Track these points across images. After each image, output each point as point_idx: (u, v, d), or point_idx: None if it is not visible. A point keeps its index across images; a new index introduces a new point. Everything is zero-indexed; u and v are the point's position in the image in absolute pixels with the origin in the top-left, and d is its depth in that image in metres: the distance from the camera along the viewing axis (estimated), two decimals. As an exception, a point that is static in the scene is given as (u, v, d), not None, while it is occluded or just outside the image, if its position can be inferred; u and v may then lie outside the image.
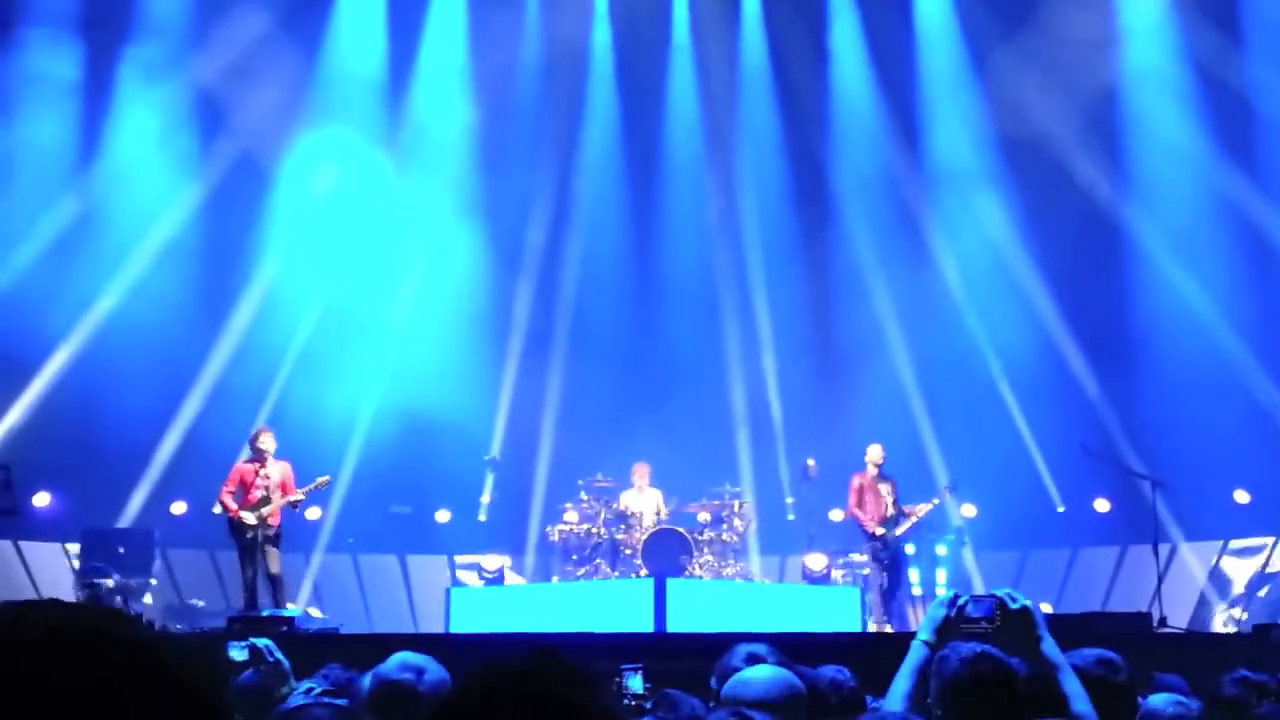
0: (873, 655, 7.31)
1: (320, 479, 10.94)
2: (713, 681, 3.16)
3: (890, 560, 11.68)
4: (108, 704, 0.91)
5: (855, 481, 11.87)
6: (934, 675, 2.94)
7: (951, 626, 3.13)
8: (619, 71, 15.90)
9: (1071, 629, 7.96)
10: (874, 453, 11.88)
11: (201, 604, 13.14)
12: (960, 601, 3.22)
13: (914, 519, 11.79)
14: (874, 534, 11.70)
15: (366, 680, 4.33)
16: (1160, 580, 10.73)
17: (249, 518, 10.51)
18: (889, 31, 15.44)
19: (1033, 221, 14.79)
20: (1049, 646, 3.09)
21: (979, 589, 14.04)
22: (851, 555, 12.80)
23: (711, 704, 3.05)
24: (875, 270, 15.15)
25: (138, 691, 0.93)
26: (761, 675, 2.80)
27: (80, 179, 13.98)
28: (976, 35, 15.12)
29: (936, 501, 12.00)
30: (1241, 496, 13.87)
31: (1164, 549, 11.74)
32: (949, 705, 2.89)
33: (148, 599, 12.72)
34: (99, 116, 14.13)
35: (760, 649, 3.19)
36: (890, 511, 11.70)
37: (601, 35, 15.92)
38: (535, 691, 1.24)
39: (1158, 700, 3.66)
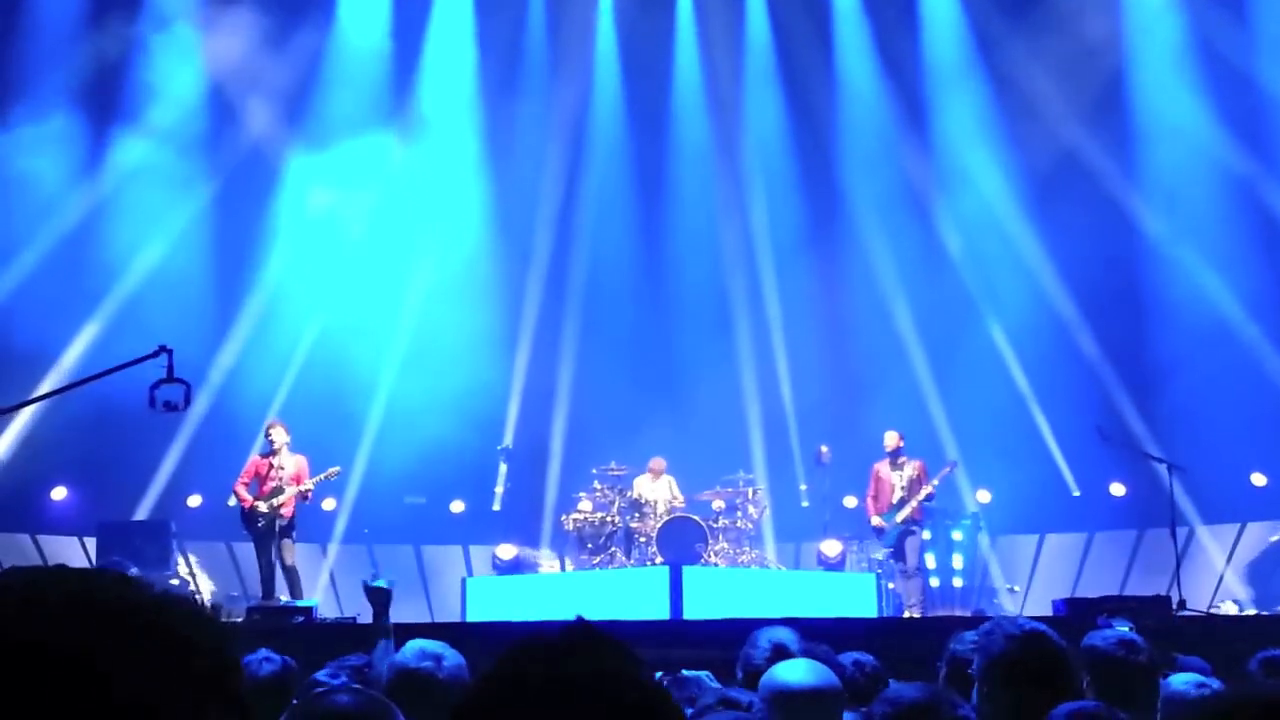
0: (888, 640, 7.31)
1: (330, 469, 11.00)
2: (738, 672, 3.12)
3: (893, 546, 11.70)
4: (100, 666, 0.90)
5: (873, 469, 11.94)
6: (979, 652, 2.90)
7: None
8: (624, 59, 15.84)
9: (1090, 612, 7.95)
10: (886, 439, 11.90)
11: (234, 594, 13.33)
12: None
13: (913, 504, 11.67)
14: (874, 527, 11.88)
15: (384, 667, 4.34)
16: (1178, 563, 10.69)
17: (261, 506, 10.61)
18: (894, 14, 15.37)
19: (1043, 206, 14.72)
20: None
21: (995, 574, 14.06)
22: (868, 541, 12.81)
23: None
24: (885, 256, 15.10)
25: (134, 652, 0.91)
26: (800, 668, 2.75)
27: (93, 172, 13.98)
28: (982, 18, 15.04)
29: (933, 487, 11.85)
30: (1258, 479, 13.81)
31: (1181, 532, 11.70)
32: (993, 683, 2.84)
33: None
34: (107, 115, 14.13)
35: (784, 635, 3.16)
36: (896, 498, 11.70)
37: (606, 23, 15.86)
38: (575, 668, 1.21)
39: (1180, 681, 3.63)
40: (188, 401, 7.90)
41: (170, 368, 7.80)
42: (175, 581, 12.60)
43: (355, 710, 2.48)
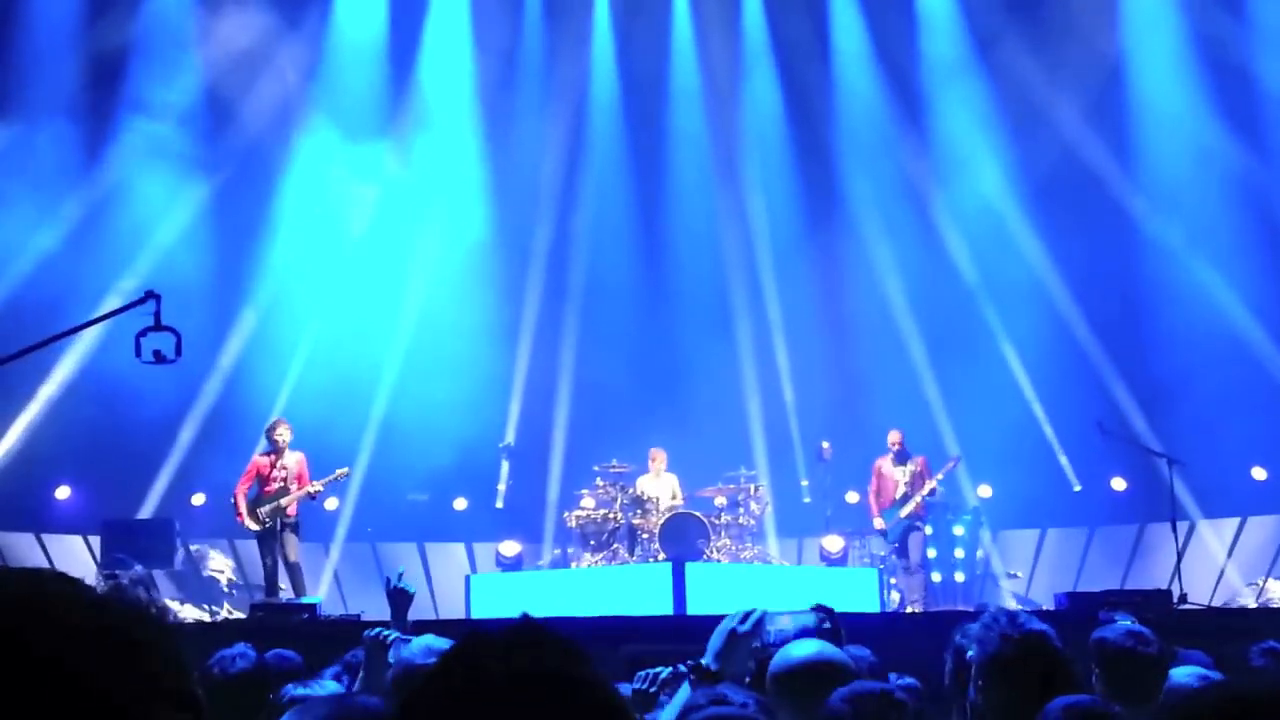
0: (890, 636, 7.34)
1: (339, 471, 11.03)
2: (750, 662, 3.13)
3: (897, 542, 11.82)
4: (47, 664, 0.90)
5: (875, 465, 12.03)
6: (976, 648, 2.90)
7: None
8: (621, 54, 15.84)
9: (1092, 606, 7.98)
10: (889, 438, 12.02)
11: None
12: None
13: (916, 499, 11.80)
14: (876, 529, 12.05)
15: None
16: (1179, 557, 10.73)
17: (251, 524, 10.69)
18: (891, 9, 15.40)
19: (1042, 201, 14.74)
20: None
21: (997, 569, 14.08)
22: (870, 537, 12.86)
23: (747, 680, 3.04)
24: (884, 252, 15.13)
25: (81, 650, 0.91)
26: (806, 648, 2.75)
27: (94, 168, 13.99)
28: (980, 13, 15.06)
29: (937, 482, 11.97)
30: (1259, 473, 13.84)
31: (1182, 526, 11.73)
32: (989, 679, 2.85)
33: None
34: (106, 112, 14.15)
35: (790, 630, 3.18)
36: (899, 494, 11.83)
37: (603, 18, 15.87)
38: (517, 666, 1.21)
39: (1181, 674, 3.66)
40: (178, 351, 7.19)
41: (158, 315, 7.13)
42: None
43: None
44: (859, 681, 2.45)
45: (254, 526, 10.68)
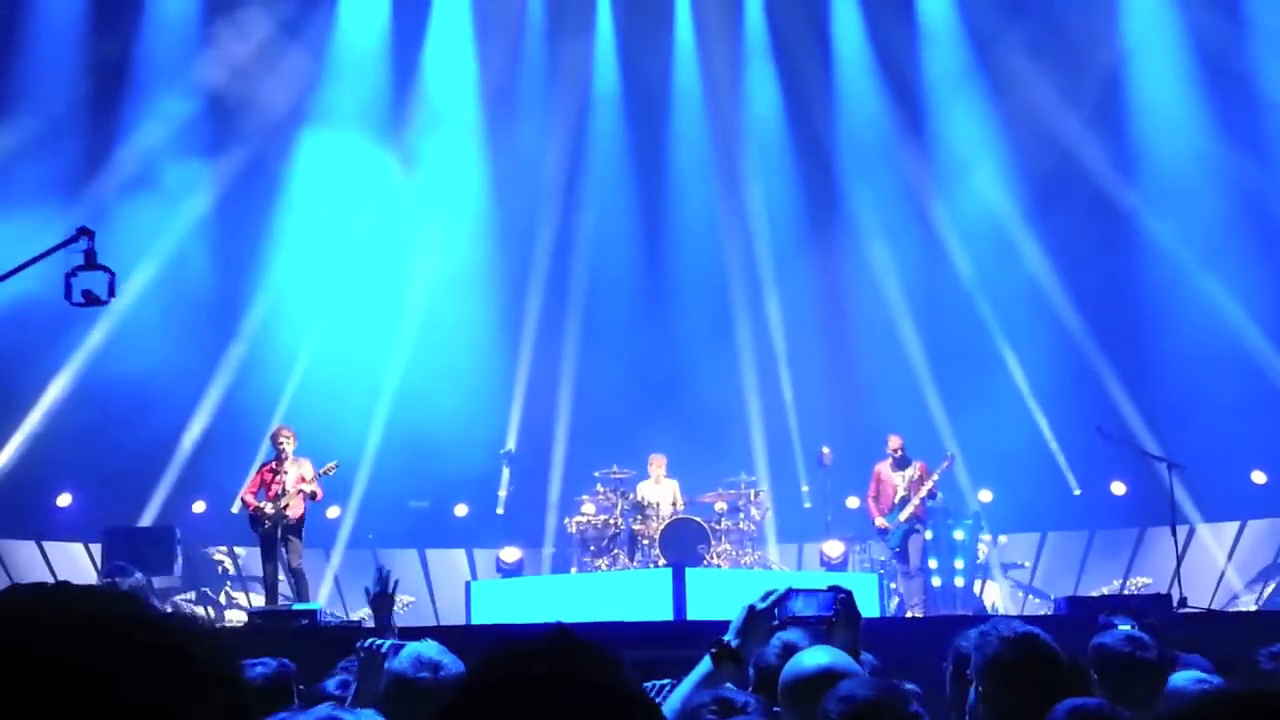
0: (890, 640, 7.35)
1: (329, 465, 10.97)
2: (749, 672, 3.13)
3: (898, 546, 11.84)
4: (109, 679, 0.91)
5: (874, 470, 12.05)
6: (975, 653, 2.91)
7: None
8: (623, 60, 15.88)
9: (1093, 610, 7.99)
10: (889, 443, 12.05)
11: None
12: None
13: (914, 501, 11.83)
14: (878, 527, 12.04)
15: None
16: (1179, 561, 10.74)
17: (268, 508, 10.63)
18: (892, 15, 15.43)
19: (1042, 205, 14.77)
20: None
21: (996, 573, 14.09)
22: (870, 542, 12.88)
23: (750, 689, 3.04)
24: (885, 257, 15.15)
25: (141, 665, 0.93)
26: (818, 657, 2.74)
27: (99, 171, 14.00)
28: (980, 18, 15.09)
29: (934, 482, 12.01)
30: (1258, 477, 13.85)
31: (1182, 530, 11.74)
32: (990, 684, 2.85)
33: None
34: (115, 119, 14.17)
35: (795, 636, 3.17)
36: (898, 498, 11.85)
37: (605, 25, 15.90)
38: (549, 671, 1.22)
39: (1181, 678, 3.67)
40: (112, 292, 6.56)
41: (90, 252, 6.52)
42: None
43: None
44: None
45: (269, 510, 10.63)
